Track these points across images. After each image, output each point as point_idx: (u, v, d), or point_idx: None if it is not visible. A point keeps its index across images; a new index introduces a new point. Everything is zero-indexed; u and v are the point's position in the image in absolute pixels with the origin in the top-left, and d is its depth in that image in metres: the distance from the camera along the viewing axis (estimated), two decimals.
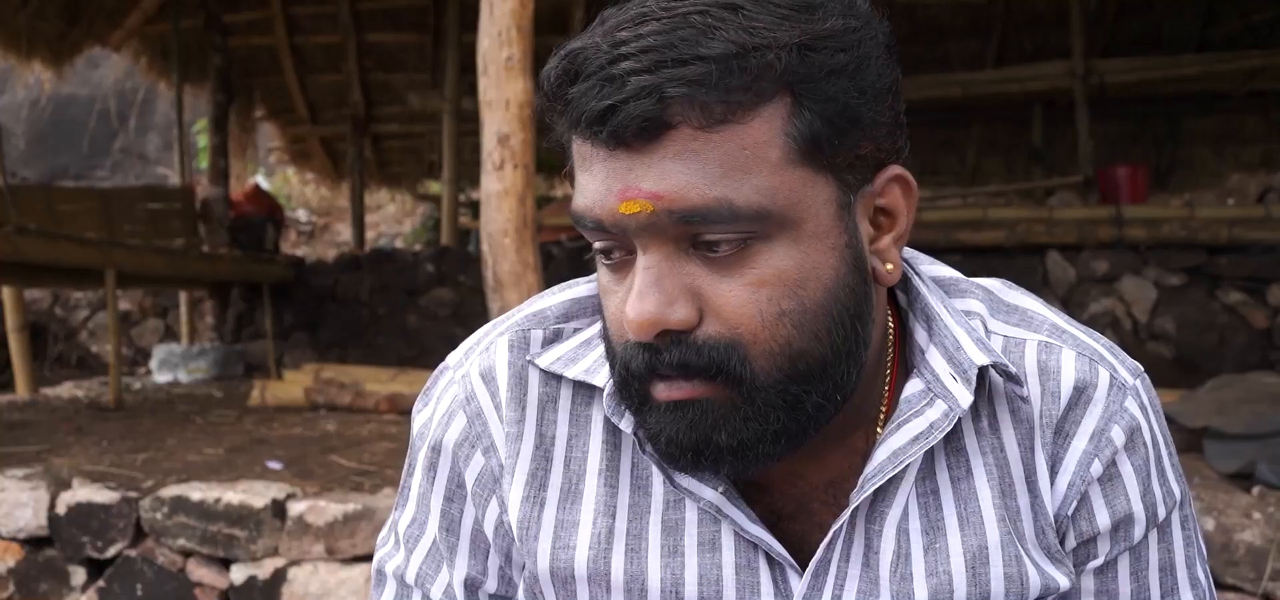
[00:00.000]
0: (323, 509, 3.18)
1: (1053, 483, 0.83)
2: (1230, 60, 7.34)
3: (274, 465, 3.80)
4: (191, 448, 4.15)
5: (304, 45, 8.63)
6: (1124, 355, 0.88)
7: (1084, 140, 7.41)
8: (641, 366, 0.74)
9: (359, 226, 8.90)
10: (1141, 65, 7.42)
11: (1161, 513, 0.85)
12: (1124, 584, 0.85)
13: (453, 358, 0.94)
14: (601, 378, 0.83)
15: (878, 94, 0.76)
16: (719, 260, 0.72)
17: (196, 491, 3.25)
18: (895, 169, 0.79)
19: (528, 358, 0.88)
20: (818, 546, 0.82)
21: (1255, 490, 3.12)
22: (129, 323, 7.89)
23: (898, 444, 0.80)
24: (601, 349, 0.83)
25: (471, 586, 0.90)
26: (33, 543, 3.29)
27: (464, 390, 0.90)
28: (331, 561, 3.18)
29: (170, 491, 3.26)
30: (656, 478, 0.84)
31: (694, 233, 0.72)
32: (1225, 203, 9.37)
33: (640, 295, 0.72)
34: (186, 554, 3.23)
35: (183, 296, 7.31)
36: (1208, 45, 7.89)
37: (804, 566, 0.82)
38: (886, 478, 0.80)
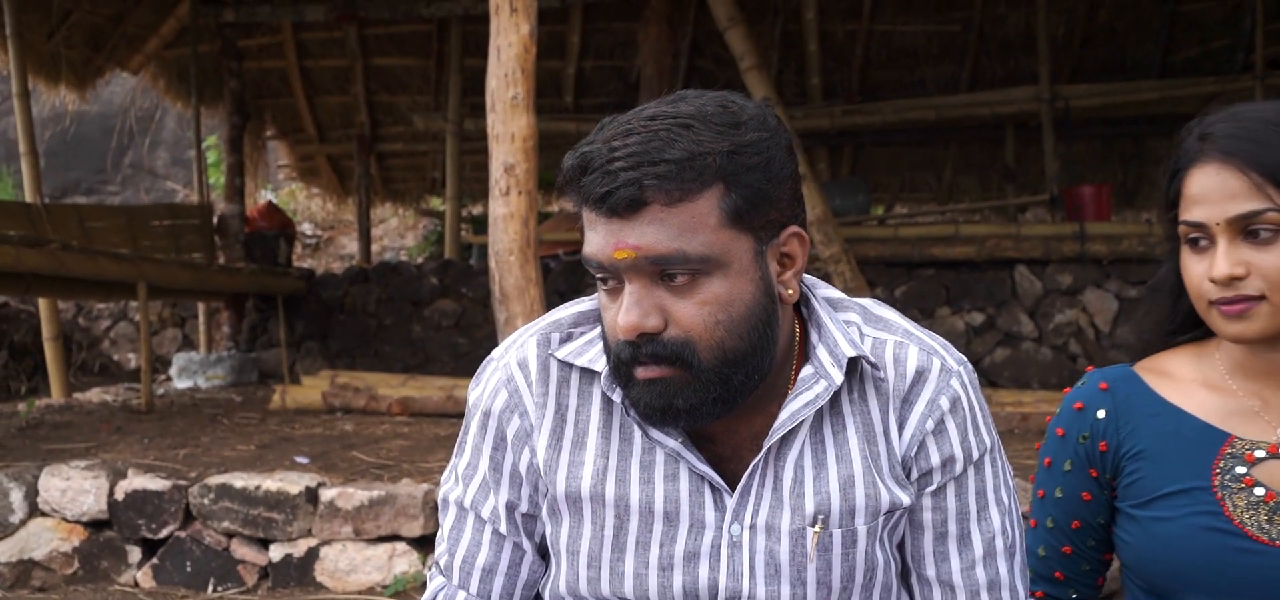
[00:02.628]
0: (351, 495, 3.61)
1: (901, 434, 1.26)
2: (1188, 86, 7.76)
3: (301, 460, 4.22)
4: (225, 444, 4.57)
5: (313, 68, 9.06)
6: (954, 350, 1.30)
7: (1050, 160, 7.84)
8: (628, 356, 1.17)
9: (365, 241, 9.32)
10: (1104, 90, 7.86)
11: (975, 455, 1.27)
12: (950, 502, 1.27)
13: (496, 353, 1.37)
14: (600, 365, 1.26)
15: (781, 180, 1.18)
16: (677, 287, 1.15)
17: (238, 480, 3.68)
18: (794, 228, 1.22)
19: (549, 352, 1.30)
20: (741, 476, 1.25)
21: None
22: (151, 332, 8.28)
23: (795, 408, 1.23)
24: (600, 345, 1.26)
25: (510, 508, 1.32)
26: (94, 525, 3.72)
27: (505, 374, 1.32)
28: (359, 541, 3.61)
29: (215, 480, 3.69)
30: (636, 432, 1.26)
31: (661, 270, 1.14)
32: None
33: (627, 311, 1.15)
34: (230, 535, 3.66)
35: (201, 307, 7.72)
36: (1169, 70, 8.32)
37: (734, 491, 1.25)
38: (787, 430, 1.22)
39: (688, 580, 1.22)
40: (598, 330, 1.26)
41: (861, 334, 1.27)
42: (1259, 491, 1.27)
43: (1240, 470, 1.29)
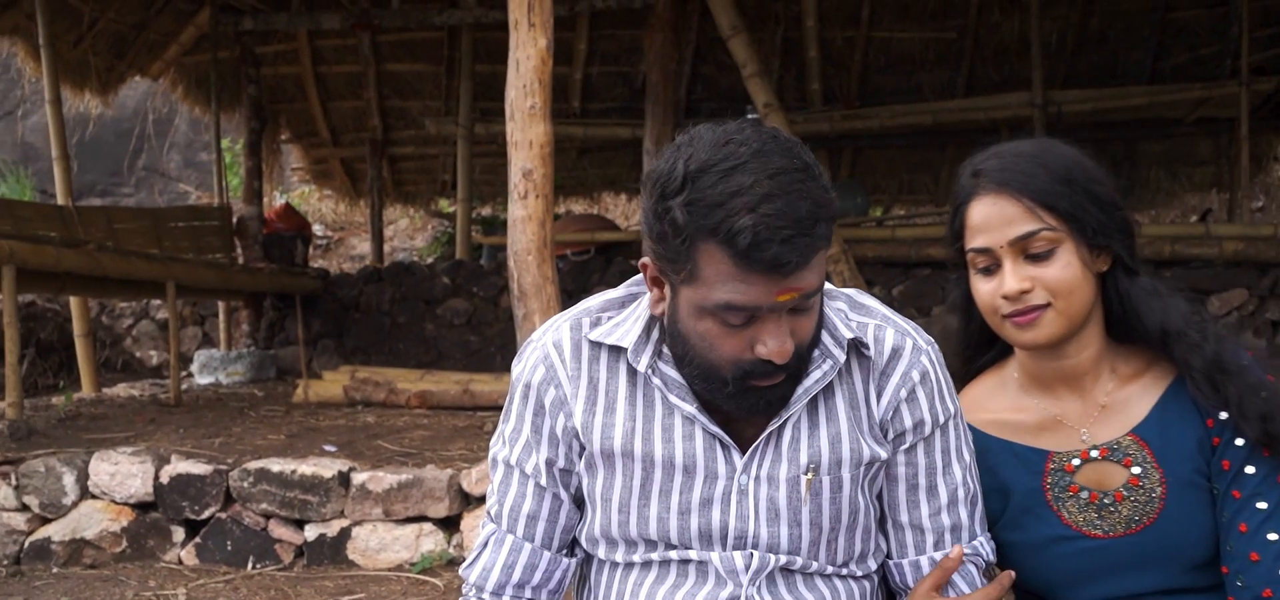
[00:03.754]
0: (380, 478, 3.87)
1: (878, 401, 1.51)
2: (1176, 92, 8.03)
3: (329, 448, 4.48)
4: (256, 434, 4.83)
5: (327, 74, 9.33)
6: (923, 332, 1.55)
7: None
8: (759, 372, 1.37)
9: (378, 241, 9.59)
10: (1094, 96, 8.11)
11: (941, 419, 1.52)
12: (920, 458, 1.52)
13: (535, 335, 1.61)
14: (625, 341, 1.50)
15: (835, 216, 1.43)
16: (797, 314, 1.37)
17: (275, 465, 3.93)
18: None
19: (582, 334, 1.55)
20: (749, 438, 1.50)
21: None
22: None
23: (808, 383, 1.47)
24: (624, 324, 1.50)
25: (549, 465, 1.56)
26: (141, 507, 3.98)
27: (543, 353, 1.56)
28: (388, 522, 3.86)
29: (253, 465, 3.95)
30: (658, 398, 1.51)
31: (802, 305, 1.36)
32: (1187, 220, 10.06)
33: (782, 340, 1.34)
34: (268, 515, 3.91)
35: (221, 306, 7.98)
36: (1159, 76, 8.57)
37: (743, 450, 1.50)
38: (804, 403, 1.48)
39: (702, 522, 1.47)
40: (623, 313, 1.51)
41: (848, 318, 1.52)
42: (1084, 495, 1.50)
43: (1065, 480, 1.51)
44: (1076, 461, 1.51)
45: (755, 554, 1.44)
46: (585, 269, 7.99)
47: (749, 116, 8.55)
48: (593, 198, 10.75)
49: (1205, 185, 9.52)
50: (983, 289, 1.50)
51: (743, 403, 1.39)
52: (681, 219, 1.27)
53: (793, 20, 8.65)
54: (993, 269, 1.48)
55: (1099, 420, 1.52)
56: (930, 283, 7.26)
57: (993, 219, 1.46)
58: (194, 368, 7.50)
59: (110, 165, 13.70)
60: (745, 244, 1.25)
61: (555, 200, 9.87)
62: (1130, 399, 1.51)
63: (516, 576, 1.52)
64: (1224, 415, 1.43)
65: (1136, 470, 1.47)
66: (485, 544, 1.55)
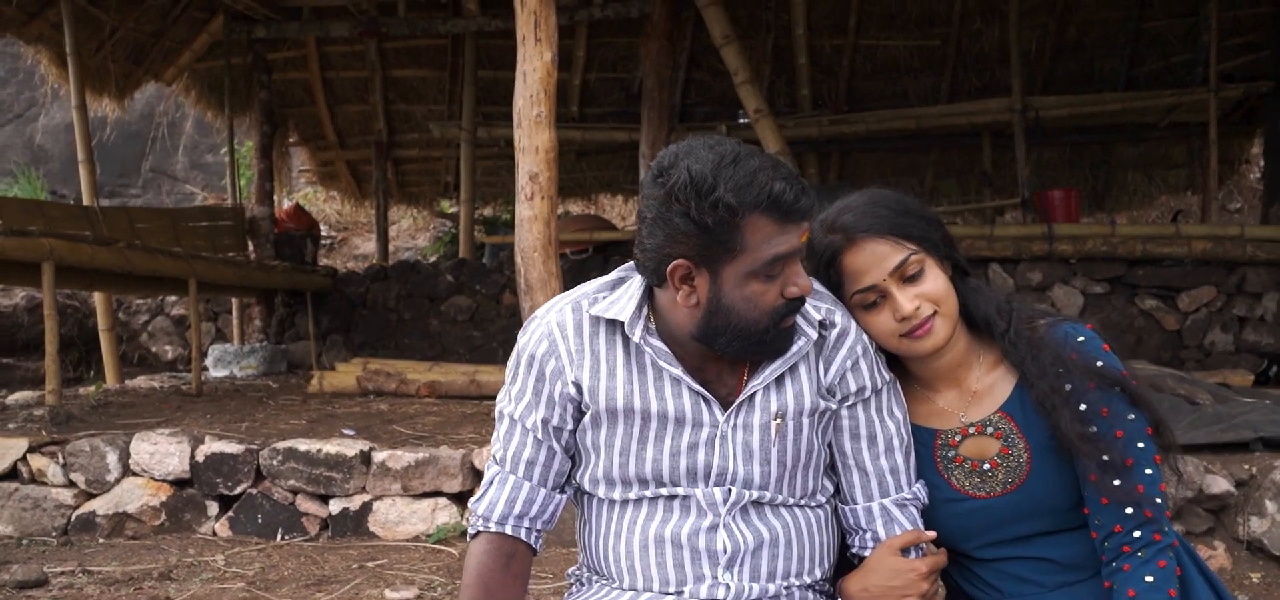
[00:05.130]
0: (399, 457, 4.21)
1: (827, 371, 1.85)
2: (1148, 98, 8.39)
3: (348, 432, 4.81)
4: (278, 420, 5.17)
5: (335, 80, 9.67)
6: None
7: (1021, 166, 8.44)
8: (787, 311, 1.66)
9: (383, 241, 9.93)
10: (1071, 102, 8.47)
11: (878, 386, 1.85)
12: (861, 414, 1.85)
13: (539, 313, 1.93)
14: (622, 316, 1.83)
15: None
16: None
17: (302, 444, 4.28)
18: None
19: (583, 313, 1.87)
20: (723, 396, 1.84)
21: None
22: (185, 326, 8.90)
23: (791, 352, 1.80)
24: (619, 302, 1.82)
25: (545, 422, 1.86)
26: (178, 483, 4.32)
27: (546, 328, 1.88)
28: (406, 496, 4.21)
29: (281, 445, 4.29)
30: (649, 363, 1.84)
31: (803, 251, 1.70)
32: (1161, 221, 10.41)
33: (805, 278, 1.66)
34: (295, 491, 4.26)
35: (234, 302, 8.32)
36: (1134, 83, 8.93)
37: (723, 405, 1.84)
38: (782, 370, 1.81)
39: (690, 462, 1.81)
40: (614, 294, 1.82)
41: (817, 305, 1.86)
42: (967, 465, 1.83)
43: (951, 454, 1.84)
44: (958, 438, 1.84)
45: (733, 489, 1.78)
46: (584, 266, 8.32)
47: (740, 121, 8.85)
48: (591, 199, 11.11)
49: (1180, 187, 9.88)
50: (876, 320, 1.79)
51: (773, 345, 1.71)
52: (733, 201, 1.58)
53: (783, 28, 9.01)
54: (879, 302, 1.77)
55: (973, 404, 1.85)
56: None
57: (869, 261, 1.76)
58: (209, 361, 7.83)
59: (118, 167, 14.03)
60: (789, 201, 1.59)
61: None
62: (996, 383, 1.84)
63: (517, 509, 1.84)
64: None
65: (1005, 441, 1.80)
66: (491, 482, 1.86)
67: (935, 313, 1.76)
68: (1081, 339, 1.75)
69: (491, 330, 8.32)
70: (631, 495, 1.82)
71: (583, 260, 8.44)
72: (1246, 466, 3.98)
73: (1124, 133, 9.26)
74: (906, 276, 1.76)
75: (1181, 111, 8.51)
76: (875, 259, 1.76)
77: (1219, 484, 3.92)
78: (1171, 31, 8.84)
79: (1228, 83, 8.08)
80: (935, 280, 1.76)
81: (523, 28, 4.42)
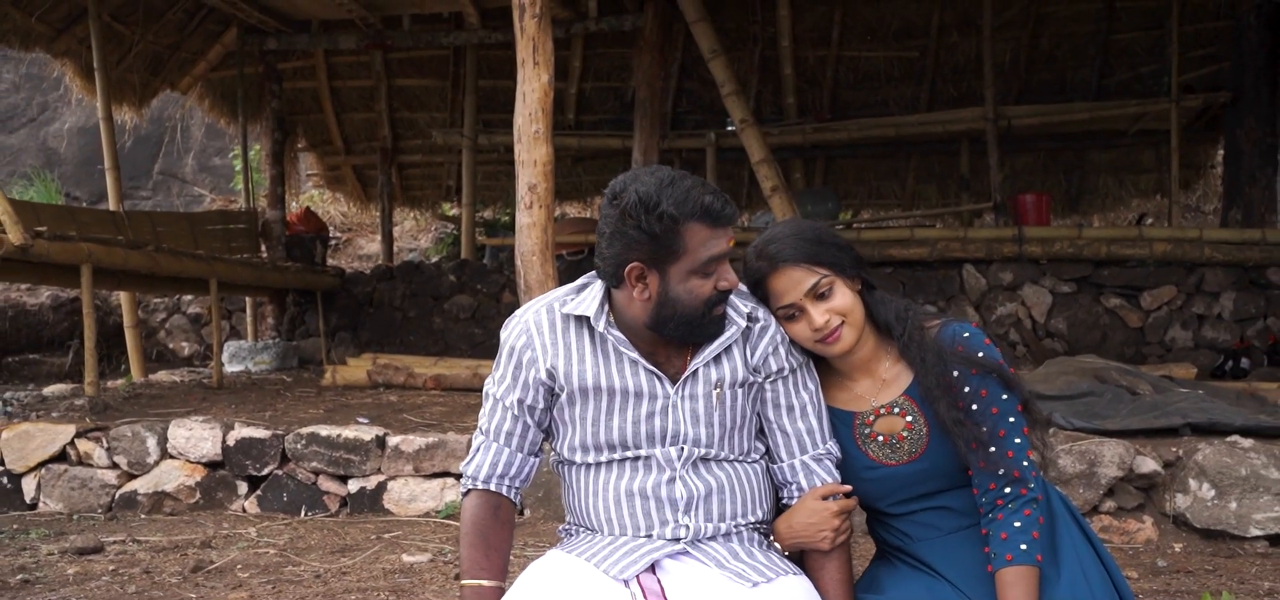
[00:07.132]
0: (411, 441, 4.66)
1: (753, 354, 2.27)
2: (1114, 108, 8.83)
3: (363, 420, 5.25)
4: (297, 409, 5.61)
5: (341, 88, 10.12)
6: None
7: (995, 172, 8.88)
8: (718, 300, 2.04)
9: (387, 242, 10.37)
10: (1042, 111, 8.91)
11: (795, 366, 2.27)
12: (780, 386, 2.26)
13: (519, 311, 2.35)
14: (588, 312, 2.24)
15: None
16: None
17: (323, 430, 4.72)
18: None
19: (557, 311, 2.29)
20: (672, 373, 2.26)
21: (1052, 431, 4.59)
22: (200, 324, 9.35)
23: (723, 338, 2.25)
24: (583, 303, 2.25)
25: (520, 403, 2.27)
26: (211, 465, 4.77)
27: (525, 325, 2.30)
28: (418, 477, 4.65)
29: (304, 430, 4.73)
30: (612, 350, 2.26)
31: (732, 253, 2.13)
32: (1131, 225, 10.84)
33: (733, 274, 2.04)
34: (317, 472, 4.70)
35: (248, 301, 8.76)
36: (1104, 93, 9.37)
37: (672, 380, 2.27)
38: (716, 352, 2.26)
39: (649, 428, 2.24)
40: (579, 297, 2.23)
41: (744, 301, 2.29)
42: (880, 439, 2.20)
43: (866, 431, 2.22)
44: (872, 418, 2.26)
45: (685, 447, 2.22)
46: (580, 267, 8.71)
47: (728, 129, 9.28)
48: (586, 203, 11.53)
49: (1149, 191, 10.31)
50: (796, 329, 2.18)
51: (709, 329, 2.12)
52: (675, 212, 1.98)
53: (769, 40, 9.44)
54: (797, 315, 2.16)
55: (883, 389, 2.27)
56: (891, 281, 8.03)
57: (788, 284, 2.15)
58: (224, 357, 8.24)
59: (129, 170, 14.38)
60: (717, 209, 2.00)
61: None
62: (901, 372, 2.26)
63: (500, 470, 2.26)
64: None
65: (909, 419, 2.23)
66: (478, 449, 2.27)
67: (843, 323, 2.17)
68: (966, 334, 2.19)
69: (492, 328, 8.74)
70: (603, 458, 2.23)
71: (578, 261, 8.85)
72: (1175, 449, 4.42)
73: (1096, 139, 9.70)
74: (819, 294, 2.16)
75: (1148, 120, 8.95)
76: (793, 282, 2.17)
77: (1148, 465, 4.36)
78: (1139, 44, 9.28)
79: (1189, 93, 8.51)
80: (843, 297, 2.18)
81: (522, 52, 4.86)
